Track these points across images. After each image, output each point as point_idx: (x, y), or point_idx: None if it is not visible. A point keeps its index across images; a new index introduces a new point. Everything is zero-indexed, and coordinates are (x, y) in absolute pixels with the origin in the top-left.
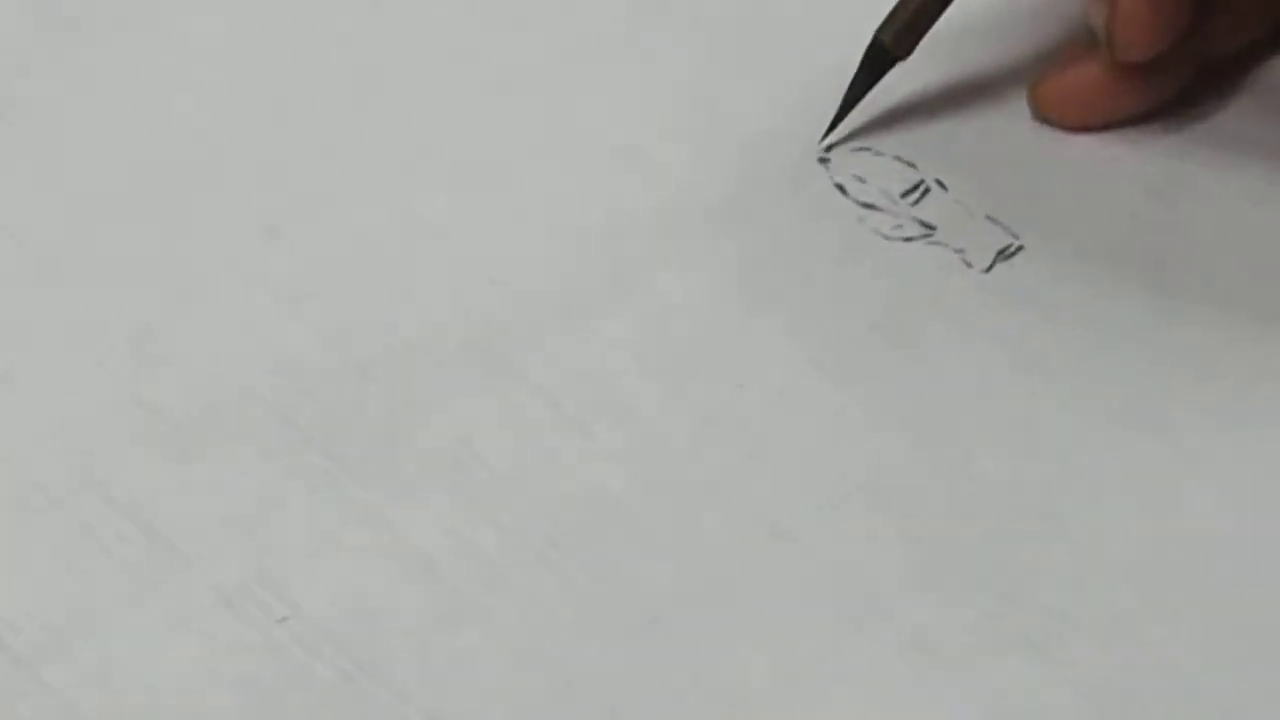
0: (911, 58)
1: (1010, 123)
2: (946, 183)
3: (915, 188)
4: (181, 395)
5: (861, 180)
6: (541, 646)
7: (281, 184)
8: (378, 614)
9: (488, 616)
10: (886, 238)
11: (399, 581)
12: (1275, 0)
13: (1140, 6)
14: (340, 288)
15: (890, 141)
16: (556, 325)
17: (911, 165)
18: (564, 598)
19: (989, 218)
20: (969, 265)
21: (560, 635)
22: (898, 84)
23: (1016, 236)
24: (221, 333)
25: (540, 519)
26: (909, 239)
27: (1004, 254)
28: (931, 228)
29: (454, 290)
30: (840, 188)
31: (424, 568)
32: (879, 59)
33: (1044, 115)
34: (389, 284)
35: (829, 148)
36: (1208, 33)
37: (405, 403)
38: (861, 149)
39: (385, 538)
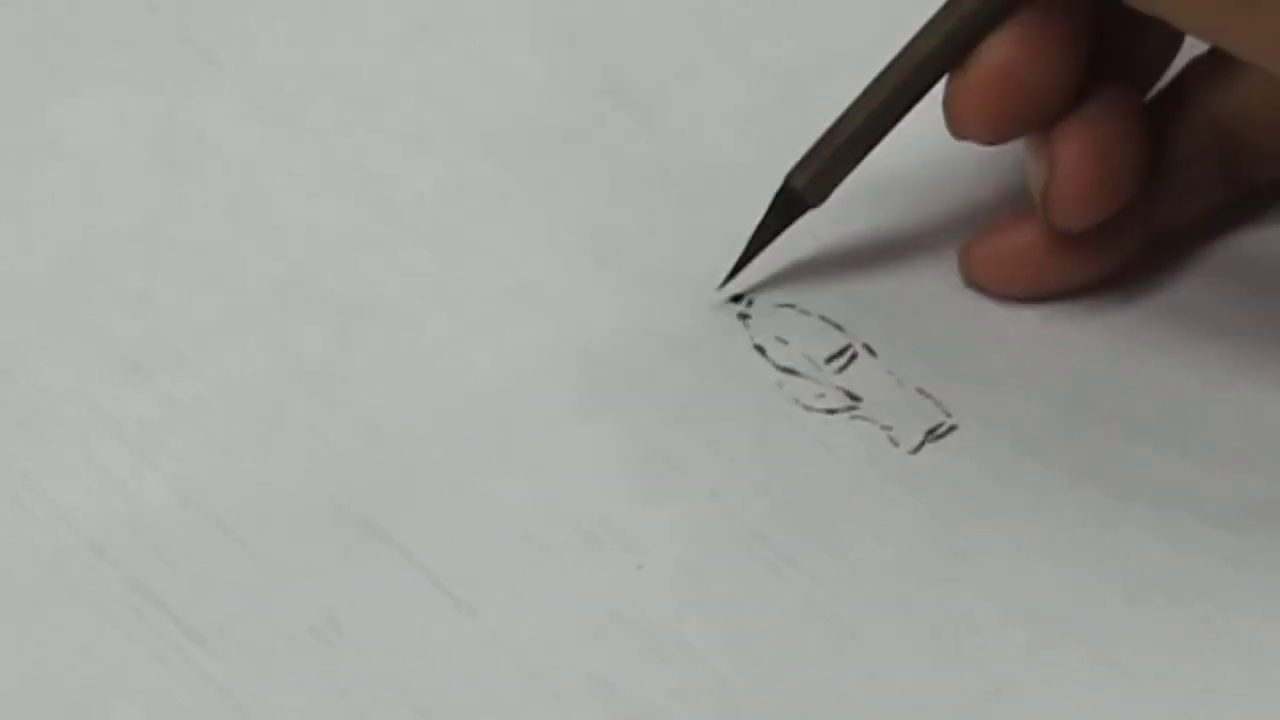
0: (846, 209)
1: (950, 287)
2: (876, 349)
3: (841, 352)
4: (17, 548)
5: (783, 341)
6: None
7: (146, 313)
8: None
9: None
10: (807, 408)
11: None
12: (1231, 167)
13: (1083, 170)
14: (201, 433)
15: (818, 300)
16: (439, 487)
17: (839, 328)
18: None
19: (920, 391)
20: (895, 444)
21: None
22: (828, 237)
23: (949, 414)
24: (66, 480)
25: (415, 712)
26: (831, 411)
27: (934, 434)
28: (857, 399)
29: (326, 442)
30: (760, 349)
31: None
32: (789, 205)
33: (975, 283)
34: (255, 431)
35: (750, 303)
36: (1156, 201)
37: (268, 569)
38: (785, 305)
39: None
